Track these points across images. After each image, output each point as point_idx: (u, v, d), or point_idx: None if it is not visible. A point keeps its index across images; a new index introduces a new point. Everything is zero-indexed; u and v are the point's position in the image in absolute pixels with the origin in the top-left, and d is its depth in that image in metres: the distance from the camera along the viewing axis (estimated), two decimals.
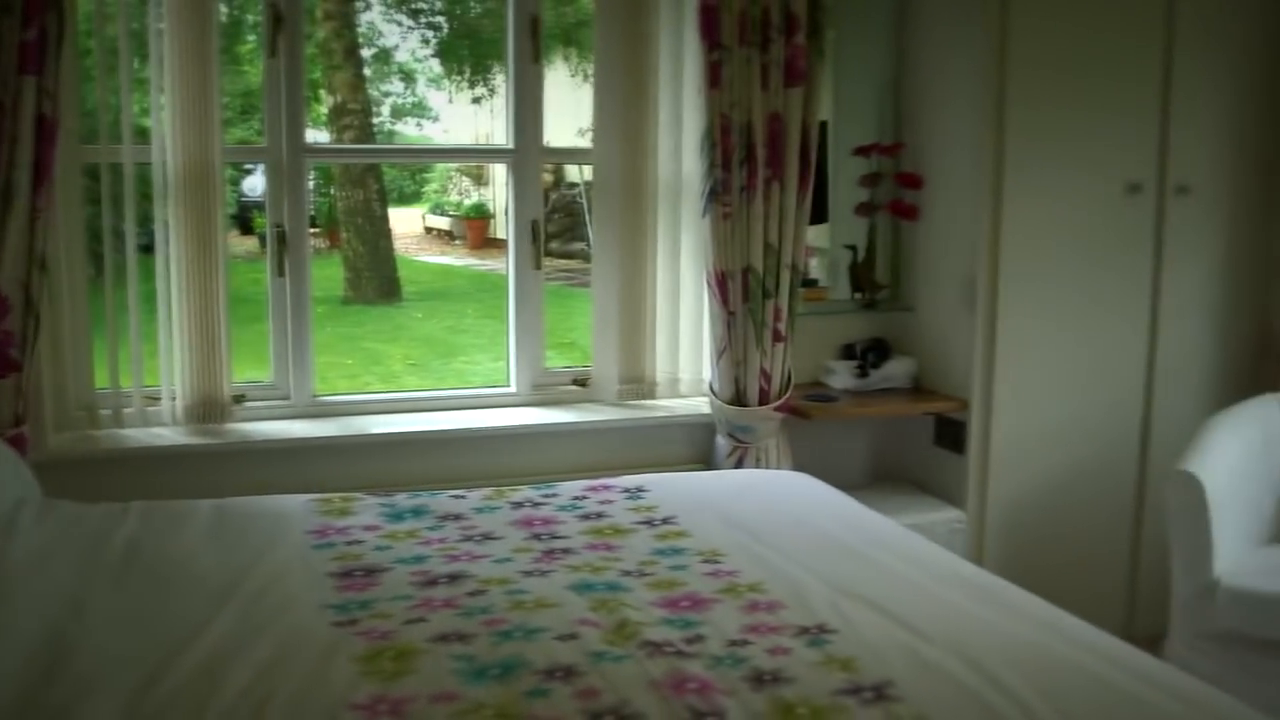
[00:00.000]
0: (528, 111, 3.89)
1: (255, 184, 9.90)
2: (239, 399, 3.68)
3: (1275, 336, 4.15)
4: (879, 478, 4.27)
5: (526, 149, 3.91)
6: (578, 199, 9.69)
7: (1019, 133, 3.83)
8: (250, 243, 10.01)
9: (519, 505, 3.07)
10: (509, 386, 4.02)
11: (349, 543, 2.78)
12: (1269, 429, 3.76)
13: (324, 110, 9.74)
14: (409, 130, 11.67)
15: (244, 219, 10.34)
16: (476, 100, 11.06)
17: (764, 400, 3.76)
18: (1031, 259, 3.91)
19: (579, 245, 9.62)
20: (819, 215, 4.06)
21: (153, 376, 3.61)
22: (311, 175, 4.24)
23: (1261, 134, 4.16)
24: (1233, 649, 3.34)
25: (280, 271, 3.73)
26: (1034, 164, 3.87)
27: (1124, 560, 4.19)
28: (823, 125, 3.94)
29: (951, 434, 4.03)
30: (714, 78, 3.63)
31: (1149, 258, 4.07)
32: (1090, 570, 4.12)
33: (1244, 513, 3.59)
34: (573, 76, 8.76)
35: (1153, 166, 4.02)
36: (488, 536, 2.85)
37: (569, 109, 6.83)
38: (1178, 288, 4.11)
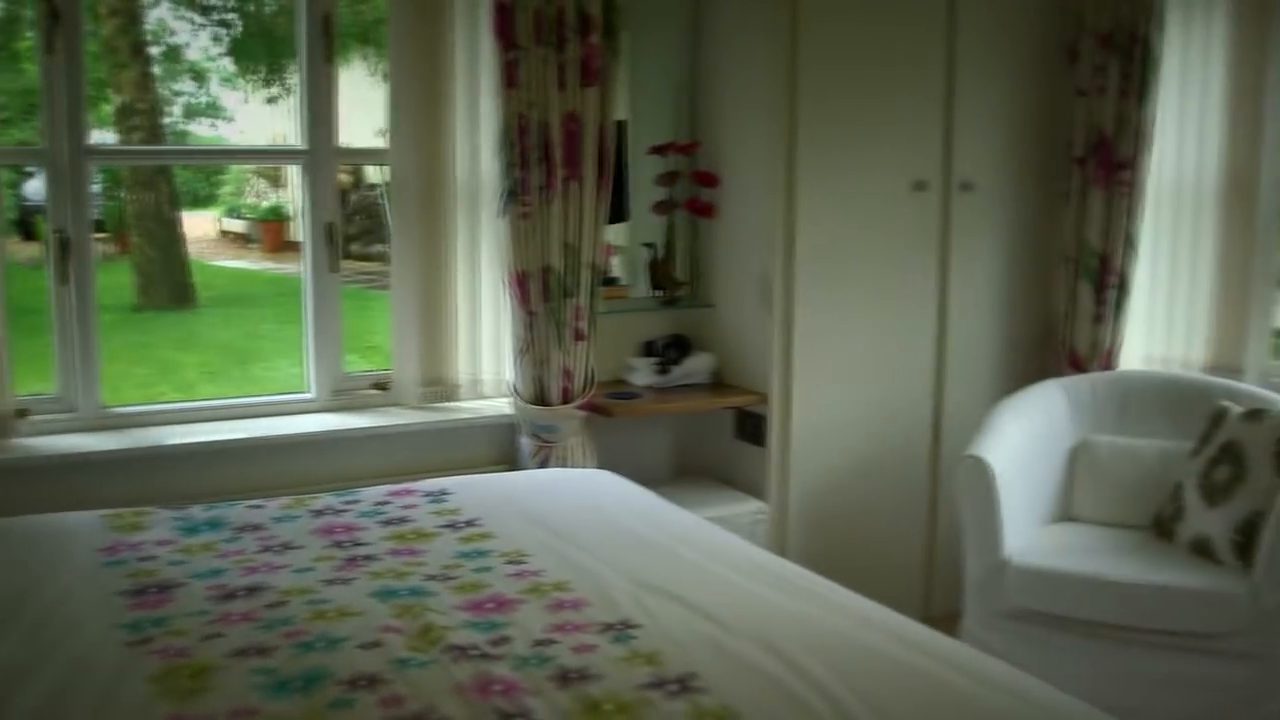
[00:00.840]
0: (321, 112, 3.81)
1: (37, 187, 9.49)
2: (22, 413, 3.51)
3: (1056, 325, 4.34)
4: (682, 472, 4.32)
5: (320, 150, 3.83)
6: (378, 200, 9.56)
7: (810, 132, 3.92)
8: (33, 249, 9.59)
9: (319, 513, 3.02)
10: (308, 392, 3.94)
11: (141, 559, 2.68)
12: (1051, 414, 3.94)
13: (111, 110, 9.39)
14: (203, 131, 11.32)
15: (26, 224, 9.89)
16: (272, 100, 10.80)
17: (566, 399, 3.77)
18: (825, 255, 4.01)
19: (380, 247, 9.48)
20: (618, 214, 4.09)
21: None
22: (98, 178, 4.08)
23: (1038, 132, 4.35)
24: (1023, 625, 3.49)
25: (63, 279, 3.57)
26: (825, 163, 3.97)
27: (920, 544, 4.34)
28: (620, 125, 3.98)
29: (752, 427, 4.11)
30: (510, 77, 3.62)
31: (936, 252, 4.21)
32: (888, 555, 4.25)
33: (1030, 494, 3.74)
34: (371, 76, 8.62)
35: (938, 164, 4.16)
36: (287, 546, 2.79)
37: (368, 109, 6.72)
38: (964, 281, 4.27)
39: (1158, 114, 4.13)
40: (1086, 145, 4.18)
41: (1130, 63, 4.07)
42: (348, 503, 3.11)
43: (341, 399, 3.93)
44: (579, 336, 3.76)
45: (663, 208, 4.18)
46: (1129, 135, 4.10)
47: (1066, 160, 4.26)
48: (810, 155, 3.93)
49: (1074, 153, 4.22)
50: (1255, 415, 3.54)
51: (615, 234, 4.19)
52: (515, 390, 3.82)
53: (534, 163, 3.66)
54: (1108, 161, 4.13)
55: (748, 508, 4.00)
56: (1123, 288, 4.19)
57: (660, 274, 4.20)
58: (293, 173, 10.66)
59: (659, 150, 4.15)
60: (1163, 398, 3.97)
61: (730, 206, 4.15)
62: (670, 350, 4.15)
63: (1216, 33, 4.10)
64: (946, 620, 3.89)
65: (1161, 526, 3.66)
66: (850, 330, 4.09)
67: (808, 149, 3.92)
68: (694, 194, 4.18)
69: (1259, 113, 4.05)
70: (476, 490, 3.24)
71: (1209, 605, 3.28)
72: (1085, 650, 3.42)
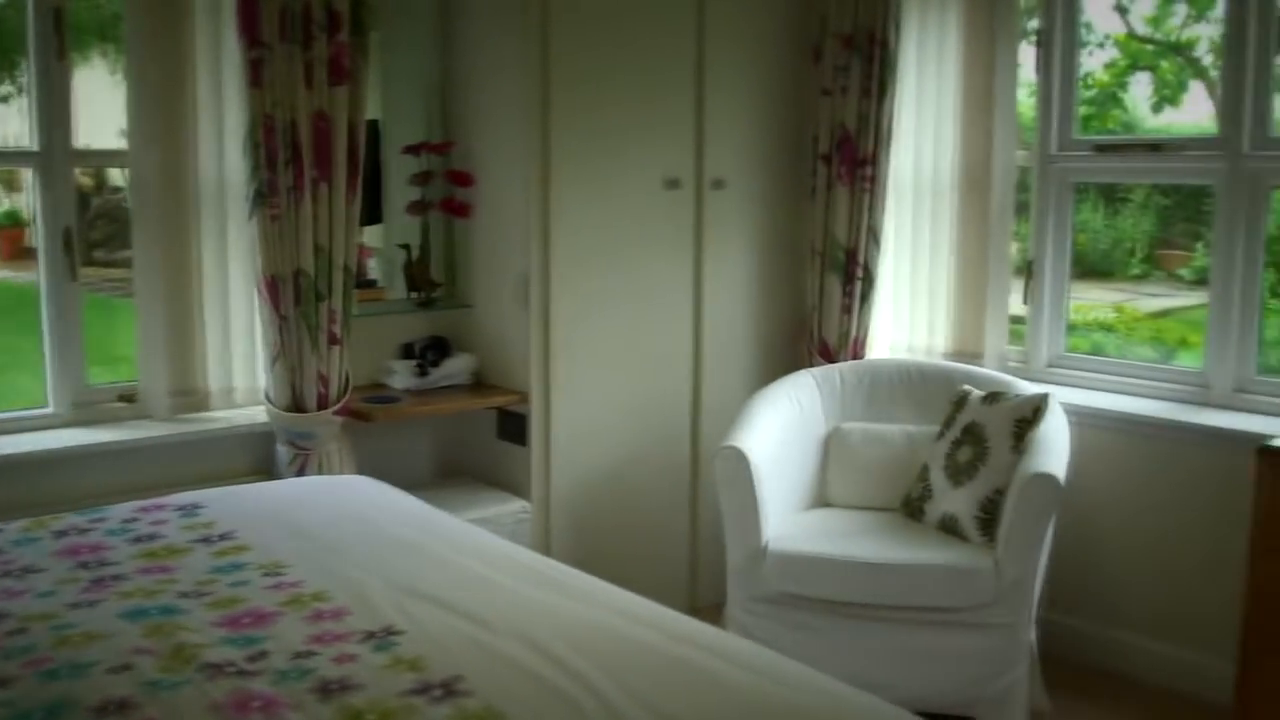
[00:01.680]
0: (56, 111, 3.62)
1: None
2: None
3: (807, 317, 4.47)
4: (445, 474, 4.29)
5: (54, 152, 3.64)
6: (123, 204, 9.19)
7: (563, 132, 3.94)
8: None
9: (62, 534, 2.87)
10: (47, 407, 3.74)
11: None
12: (804, 403, 4.05)
13: None
14: None
15: None
16: (3, 99, 10.26)
17: (323, 405, 3.69)
18: (581, 253, 4.04)
19: (127, 253, 9.12)
20: (373, 215, 4.03)
21: None
22: None
23: (786, 130, 4.48)
24: (783, 609, 3.58)
25: None
26: (579, 161, 3.99)
27: (684, 536, 4.41)
28: (373, 124, 3.92)
29: (514, 427, 4.10)
30: (255, 76, 3.52)
31: (690, 249, 4.29)
32: (653, 548, 4.31)
33: (786, 482, 3.85)
34: (113, 74, 8.28)
35: (690, 162, 4.24)
36: (28, 570, 2.64)
37: (110, 109, 6.44)
38: (718, 276, 4.36)
39: (897, 112, 4.30)
40: (831, 143, 4.32)
41: (870, 63, 4.22)
42: (93, 521, 2.97)
43: (85, 413, 3.74)
44: (334, 340, 3.69)
45: (417, 208, 4.13)
46: (870, 133, 4.25)
47: (813, 157, 4.39)
48: (564, 154, 3.95)
49: (819, 150, 4.36)
50: (994, 398, 3.73)
51: (370, 235, 4.13)
52: (269, 398, 3.72)
53: (282, 163, 3.57)
54: (851, 158, 4.28)
55: (512, 507, 4.00)
56: (868, 280, 4.34)
57: (417, 275, 4.16)
58: (27, 176, 10.11)
59: (412, 150, 4.10)
60: (908, 384, 4.14)
61: (486, 206, 4.14)
62: (429, 352, 4.11)
63: (950, 35, 4.28)
64: (712, 609, 3.98)
65: (911, 507, 3.82)
66: (609, 327, 4.13)
67: (561, 148, 3.94)
68: (449, 194, 4.15)
69: (990, 111, 4.26)
70: (231, 502, 3.14)
71: (956, 581, 3.43)
72: (842, 630, 3.53)
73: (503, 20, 3.99)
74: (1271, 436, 3.34)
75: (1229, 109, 3.85)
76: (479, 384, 4.18)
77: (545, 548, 3.95)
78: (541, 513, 4.07)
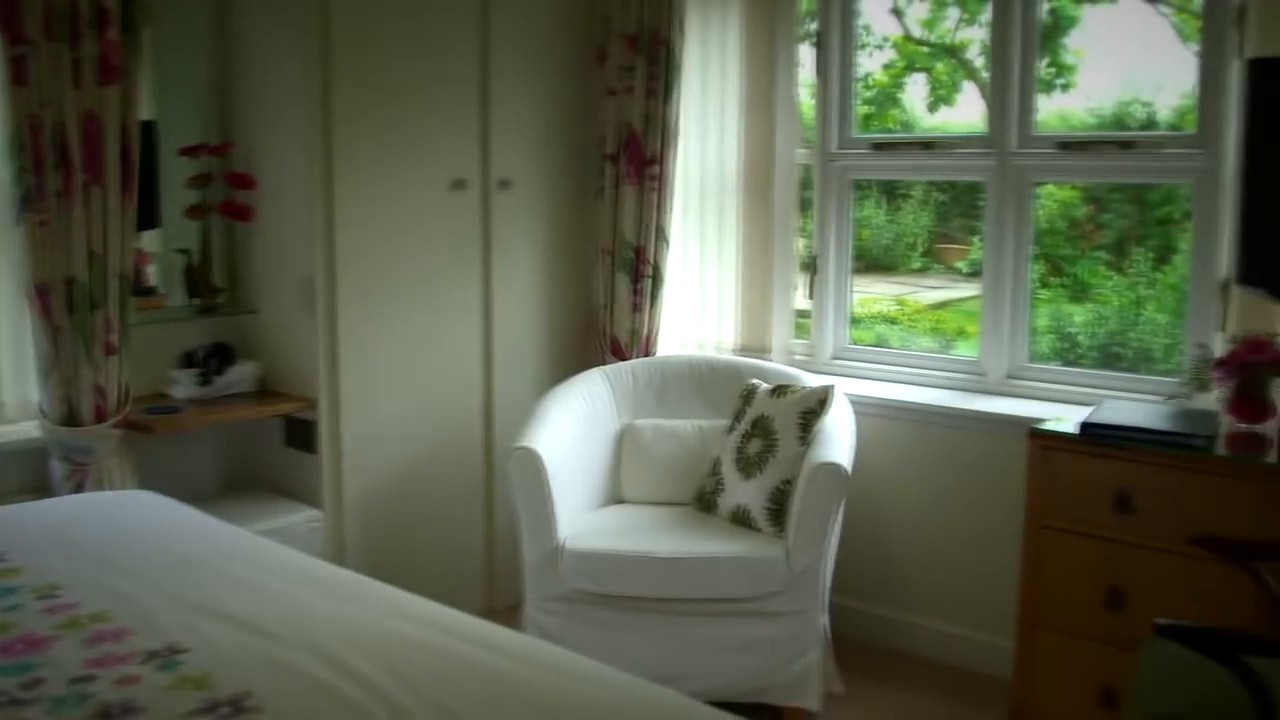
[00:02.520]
0: None
1: None
2: None
3: (597, 315, 4.50)
4: (233, 486, 4.17)
5: None
6: None
7: (347, 132, 3.88)
8: None
9: None
10: None
11: None
12: (596, 401, 4.08)
13: None
14: None
15: None
16: None
17: (100, 418, 3.54)
18: (368, 256, 3.98)
19: None
20: (149, 220, 3.89)
21: None
22: None
23: (572, 130, 4.50)
24: (580, 607, 3.59)
25: None
26: (364, 163, 3.93)
27: (480, 538, 4.39)
28: (148, 125, 3.78)
29: (302, 434, 4.02)
30: (19, 74, 3.36)
31: (479, 250, 4.27)
32: (449, 552, 4.28)
33: (580, 480, 3.87)
34: None
35: (477, 163, 4.22)
36: None
37: None
38: (507, 277, 4.35)
39: (682, 112, 4.36)
40: (618, 143, 4.36)
41: (654, 64, 4.27)
42: None
43: None
44: (110, 350, 3.54)
45: (197, 212, 4.00)
46: (656, 133, 4.30)
47: (600, 157, 4.43)
48: (348, 155, 3.89)
49: (606, 150, 4.39)
50: (781, 391, 3.81)
51: (148, 241, 3.99)
52: (43, 411, 3.56)
53: (50, 166, 3.41)
54: (637, 158, 4.32)
55: (302, 516, 3.92)
56: (657, 278, 4.40)
57: (197, 281, 4.03)
58: None
59: (190, 152, 3.97)
60: (698, 380, 4.21)
61: (268, 209, 4.04)
62: (212, 360, 3.98)
63: (731, 36, 4.37)
64: (509, 610, 3.97)
65: (703, 501, 3.88)
66: (397, 329, 4.08)
67: (345, 149, 3.88)
68: (229, 197, 4.03)
69: (772, 110, 4.36)
70: (2, 523, 2.99)
71: (749, 571, 3.50)
72: (639, 625, 3.57)
73: (282, 16, 3.90)
74: (1042, 420, 3.50)
75: (996, 109, 4.02)
76: (265, 391, 4.08)
77: (338, 556, 3.89)
78: (333, 520, 4.00)
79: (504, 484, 4.06)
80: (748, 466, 3.70)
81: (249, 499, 4.02)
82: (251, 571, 2.64)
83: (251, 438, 4.17)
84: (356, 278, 3.95)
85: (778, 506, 3.61)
